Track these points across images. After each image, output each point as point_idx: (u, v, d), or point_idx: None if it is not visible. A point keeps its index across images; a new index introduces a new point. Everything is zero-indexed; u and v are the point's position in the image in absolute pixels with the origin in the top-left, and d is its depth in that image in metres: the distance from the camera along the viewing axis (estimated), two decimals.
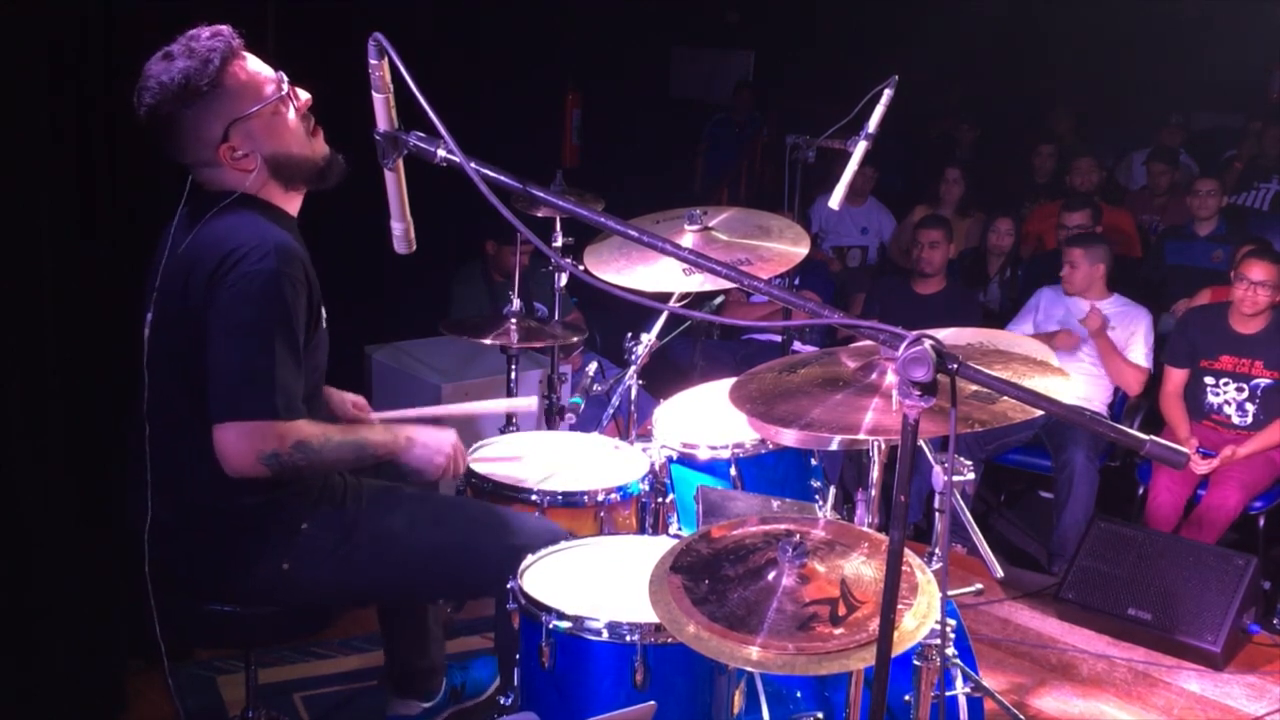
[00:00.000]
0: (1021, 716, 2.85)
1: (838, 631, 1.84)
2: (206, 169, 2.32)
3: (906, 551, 1.72)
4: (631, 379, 3.26)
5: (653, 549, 2.30)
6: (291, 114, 2.34)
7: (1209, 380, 4.49)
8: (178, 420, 2.29)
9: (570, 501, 2.74)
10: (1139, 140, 7.85)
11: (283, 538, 2.37)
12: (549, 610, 2.15)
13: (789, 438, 2.17)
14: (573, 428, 3.61)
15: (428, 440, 2.47)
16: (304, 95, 2.36)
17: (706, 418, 3.08)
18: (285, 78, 2.34)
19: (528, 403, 3.41)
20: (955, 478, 2.28)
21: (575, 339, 3.97)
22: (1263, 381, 4.37)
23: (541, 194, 1.74)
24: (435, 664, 3.05)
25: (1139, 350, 4.72)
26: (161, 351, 2.29)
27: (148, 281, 2.34)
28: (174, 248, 2.29)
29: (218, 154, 2.28)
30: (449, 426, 2.56)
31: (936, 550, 2.23)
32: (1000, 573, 2.62)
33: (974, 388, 1.90)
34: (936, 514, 2.32)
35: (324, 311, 2.43)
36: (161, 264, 2.30)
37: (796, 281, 5.32)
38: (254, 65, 2.31)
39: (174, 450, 2.30)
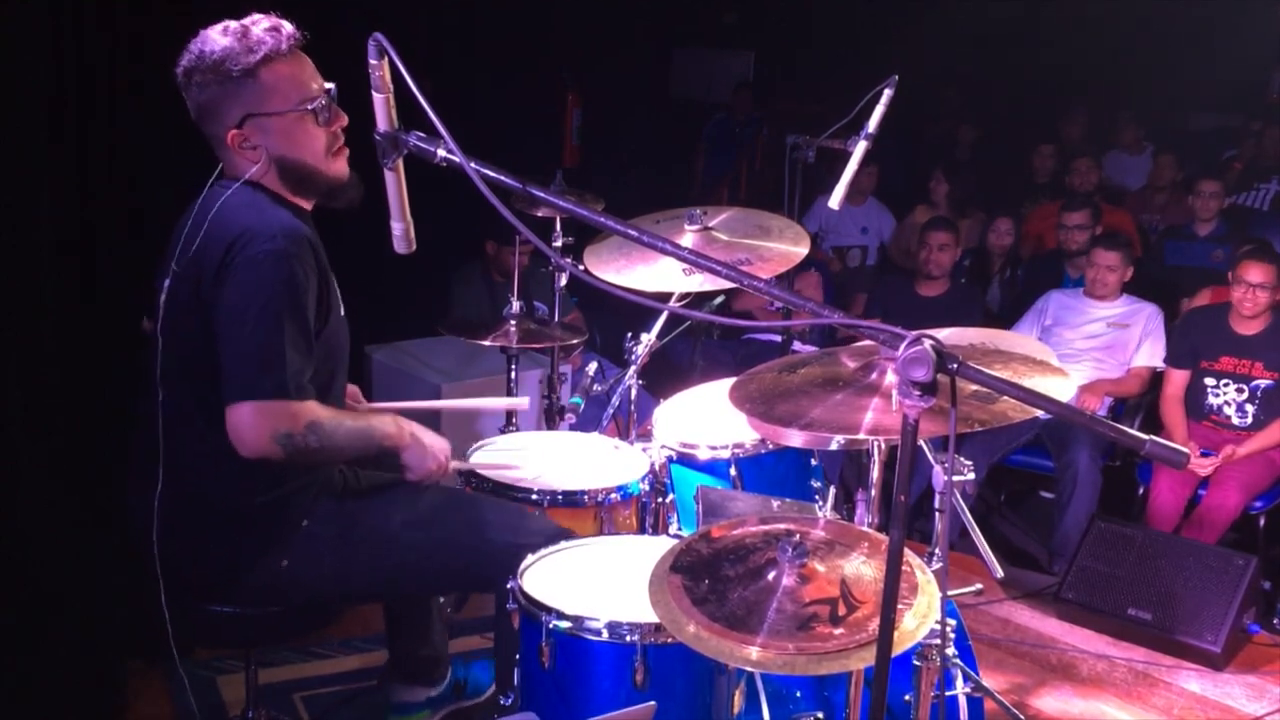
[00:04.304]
0: (1021, 716, 2.85)
1: (838, 631, 1.84)
2: (219, 146, 2.35)
3: (906, 551, 1.72)
4: (631, 379, 3.26)
5: (653, 549, 2.30)
6: (317, 128, 2.33)
7: (1209, 381, 4.48)
8: (188, 414, 2.29)
9: (570, 501, 2.73)
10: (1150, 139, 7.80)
11: (284, 534, 2.38)
12: (549, 610, 2.15)
13: (789, 438, 2.17)
14: (573, 428, 3.62)
15: (426, 442, 2.47)
16: (343, 117, 2.37)
17: (706, 418, 3.08)
18: (333, 93, 2.34)
19: (521, 402, 3.44)
20: (955, 478, 2.28)
21: (575, 339, 3.97)
22: (1262, 383, 4.37)
23: (541, 194, 1.74)
24: (439, 652, 3.06)
25: (1152, 347, 4.73)
26: (173, 330, 2.30)
27: (165, 252, 2.35)
28: (193, 229, 2.29)
29: (227, 137, 2.30)
30: (444, 429, 2.56)
31: (936, 550, 2.23)
32: (1000, 573, 2.62)
33: (974, 387, 1.90)
34: (936, 514, 2.31)
35: (339, 298, 2.43)
36: (179, 243, 2.31)
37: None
38: (300, 71, 2.30)
39: (184, 444, 2.31)
